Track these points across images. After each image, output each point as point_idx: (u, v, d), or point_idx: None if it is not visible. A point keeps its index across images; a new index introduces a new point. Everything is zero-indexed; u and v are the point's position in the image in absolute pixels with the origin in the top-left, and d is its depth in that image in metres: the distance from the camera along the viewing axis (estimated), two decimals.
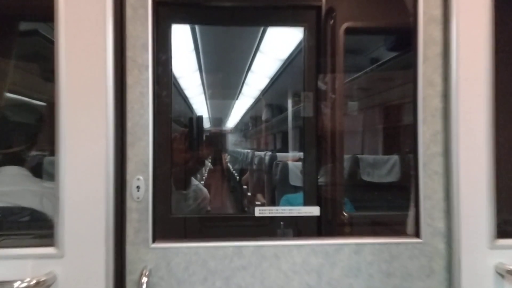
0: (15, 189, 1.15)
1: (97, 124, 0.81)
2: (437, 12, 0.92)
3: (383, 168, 1.79)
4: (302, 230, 1.01)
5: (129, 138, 0.87)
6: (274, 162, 2.29)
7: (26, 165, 1.25)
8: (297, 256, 0.89)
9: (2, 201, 1.10)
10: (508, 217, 0.92)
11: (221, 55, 2.37)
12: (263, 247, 0.89)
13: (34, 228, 1.02)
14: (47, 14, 0.81)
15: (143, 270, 0.84)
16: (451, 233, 0.89)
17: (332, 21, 1.08)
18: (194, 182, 1.58)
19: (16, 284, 0.76)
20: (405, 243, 0.91)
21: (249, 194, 2.42)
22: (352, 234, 1.12)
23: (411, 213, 0.95)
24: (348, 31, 1.09)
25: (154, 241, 0.87)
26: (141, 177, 0.87)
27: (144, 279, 0.82)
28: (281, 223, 1.01)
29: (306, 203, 1.10)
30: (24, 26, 1.31)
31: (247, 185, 2.58)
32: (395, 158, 1.77)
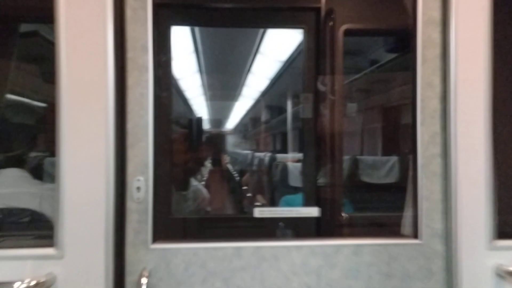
0: (14, 191, 1.16)
1: (97, 125, 0.81)
2: (436, 13, 0.92)
3: (382, 169, 1.79)
4: (302, 231, 1.01)
5: (129, 139, 0.88)
6: (274, 163, 2.30)
7: (26, 167, 1.25)
8: (296, 257, 0.89)
9: (2, 203, 1.11)
10: (507, 218, 0.92)
11: (221, 57, 2.37)
12: (262, 248, 0.89)
13: (34, 229, 1.02)
14: (48, 16, 0.82)
15: (142, 271, 0.84)
16: (450, 234, 0.89)
17: (331, 23, 1.09)
18: (193, 183, 1.58)
19: (16, 285, 0.76)
20: (404, 244, 0.91)
21: (248, 195, 2.42)
22: (351, 235, 1.12)
23: (410, 214, 0.95)
24: (347, 32, 1.10)
25: (154, 242, 0.88)
26: (141, 178, 0.87)
27: (144, 280, 0.82)
28: (280, 223, 1.01)
29: (306, 204, 1.10)
30: (24, 27, 1.31)
31: (247, 186, 2.58)
32: (394, 159, 1.77)
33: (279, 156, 2.47)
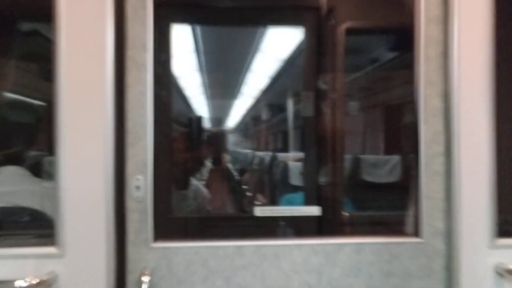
0: (14, 189, 1.16)
1: (97, 123, 0.81)
2: (438, 11, 0.92)
3: (384, 168, 1.79)
4: (303, 230, 1.01)
5: (129, 138, 0.87)
6: (275, 162, 2.29)
7: (26, 165, 1.25)
8: (297, 256, 0.89)
9: (2, 201, 1.10)
10: (508, 216, 0.92)
11: (221, 55, 2.37)
12: (263, 246, 0.89)
13: (35, 228, 1.02)
14: (47, 14, 0.81)
15: (143, 270, 0.84)
16: (451, 233, 0.89)
17: (332, 21, 1.08)
18: (193, 182, 1.58)
19: (17, 284, 0.76)
20: (405, 243, 0.91)
21: (249, 194, 2.42)
22: (352, 233, 1.12)
23: (411, 212, 0.95)
24: (348, 31, 1.09)
25: (154, 240, 0.87)
26: (141, 177, 0.87)
27: (145, 279, 0.82)
28: (281, 222, 1.01)
29: (307, 203, 1.10)
30: (24, 26, 1.31)
31: (247, 185, 2.58)
32: (396, 158, 1.77)
33: (280, 155, 2.46)
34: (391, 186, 1.70)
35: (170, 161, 0.98)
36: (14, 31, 1.25)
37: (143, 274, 0.83)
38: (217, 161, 2.16)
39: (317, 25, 1.08)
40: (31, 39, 1.33)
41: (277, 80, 2.70)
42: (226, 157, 2.31)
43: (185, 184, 1.53)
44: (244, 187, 2.56)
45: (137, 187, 0.87)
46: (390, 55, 1.59)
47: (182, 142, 1.53)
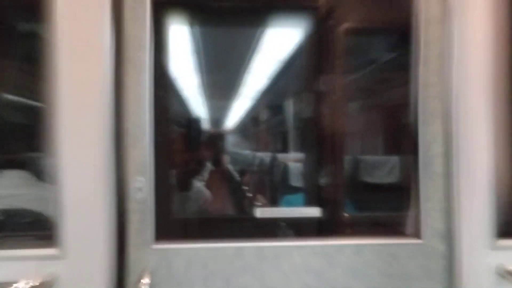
0: (17, 192, 1.16)
1: (96, 125, 0.81)
2: (437, 12, 0.92)
3: (384, 169, 1.79)
4: (303, 231, 1.01)
5: (129, 139, 0.87)
6: (275, 163, 2.29)
7: (27, 168, 1.25)
8: (297, 257, 0.89)
9: (4, 204, 1.11)
10: (508, 217, 0.92)
11: (220, 56, 2.37)
12: (263, 248, 0.89)
13: (36, 229, 1.02)
14: (44, 14, 0.81)
15: (144, 271, 0.84)
16: (451, 233, 0.89)
17: (331, 22, 1.08)
18: (196, 184, 1.58)
19: (18, 285, 0.76)
20: (405, 244, 0.91)
21: (249, 195, 2.42)
22: (352, 234, 1.12)
23: (411, 213, 0.95)
24: (348, 31, 1.09)
25: (155, 242, 0.87)
26: (141, 178, 0.87)
27: (145, 280, 0.82)
28: (282, 223, 1.01)
29: (307, 203, 1.10)
30: (20, 26, 1.31)
31: (247, 186, 2.57)
32: (396, 159, 1.77)
33: (280, 155, 2.46)
34: (391, 187, 1.70)
35: (170, 162, 0.99)
36: (11, 32, 1.25)
37: (143, 275, 0.83)
38: (217, 162, 2.16)
39: (316, 26, 1.08)
40: (28, 39, 1.33)
41: (276, 81, 2.70)
42: (226, 158, 2.30)
43: (187, 186, 1.53)
44: (244, 188, 2.56)
45: (138, 189, 0.87)
46: (390, 56, 1.59)
47: (182, 144, 1.53)
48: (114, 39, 0.83)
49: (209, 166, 2.12)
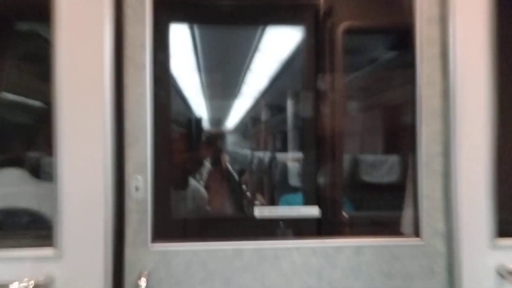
0: (14, 191, 1.15)
1: (96, 124, 0.81)
2: (437, 11, 0.91)
3: (383, 168, 1.79)
4: (302, 230, 1.01)
5: (128, 139, 0.87)
6: (274, 162, 2.29)
7: (25, 166, 1.24)
8: (297, 257, 0.89)
9: (2, 203, 1.10)
10: (508, 216, 0.92)
11: (220, 55, 2.36)
12: (263, 248, 0.89)
13: (33, 229, 1.01)
14: (45, 14, 0.81)
15: (142, 271, 0.84)
16: (451, 233, 0.88)
17: (330, 21, 1.08)
18: (192, 182, 1.57)
19: (14, 286, 0.75)
20: (405, 243, 0.91)
21: (248, 194, 2.42)
22: (351, 234, 1.12)
23: (410, 212, 0.95)
24: (347, 30, 1.09)
25: (153, 242, 0.87)
26: (140, 178, 0.87)
27: (143, 280, 0.82)
28: (281, 223, 1.00)
29: (306, 203, 1.09)
30: (21, 26, 1.30)
31: (246, 185, 2.57)
32: (395, 158, 1.77)
33: (279, 155, 2.46)
34: (390, 186, 1.70)
35: (170, 161, 0.98)
36: (11, 30, 1.24)
37: (141, 275, 0.82)
38: (216, 161, 2.16)
39: (316, 24, 1.08)
40: (28, 39, 1.32)
41: (276, 80, 2.70)
42: (225, 158, 2.30)
43: (183, 184, 1.53)
44: (243, 187, 2.55)
45: (137, 188, 0.87)
46: (389, 55, 1.59)
47: (181, 143, 1.52)
48: (114, 38, 0.83)
49: (208, 165, 2.12)
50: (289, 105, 2.53)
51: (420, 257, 0.90)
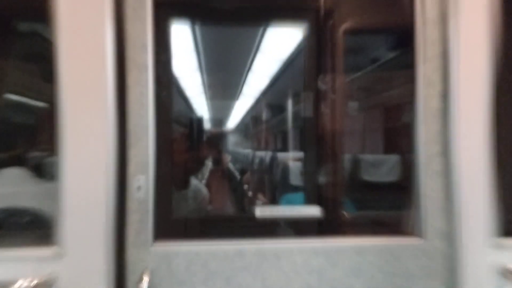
0: (16, 191, 1.16)
1: (98, 124, 0.81)
2: (437, 12, 0.91)
3: (384, 168, 1.79)
4: (303, 230, 1.01)
5: (130, 139, 0.87)
6: (275, 162, 2.29)
7: (27, 166, 1.25)
8: (298, 257, 0.89)
9: (3, 202, 1.11)
10: (510, 216, 0.92)
11: (222, 55, 2.37)
12: (264, 247, 0.89)
13: (34, 228, 1.02)
14: (46, 15, 0.81)
15: (143, 271, 0.84)
16: (452, 233, 0.88)
17: (331, 21, 1.08)
18: (193, 182, 1.58)
19: (17, 285, 0.76)
20: (406, 243, 0.91)
21: (250, 193, 2.42)
22: (352, 233, 1.12)
23: (412, 212, 0.95)
24: (348, 31, 1.09)
25: (154, 241, 0.87)
26: (141, 178, 0.87)
27: (145, 280, 0.82)
28: (282, 222, 1.01)
29: (307, 202, 1.09)
30: (23, 26, 1.31)
31: (247, 185, 2.57)
32: (396, 157, 1.77)
33: (280, 155, 2.46)
34: (391, 186, 1.70)
35: (171, 161, 0.98)
36: (12, 31, 1.25)
37: (143, 275, 0.83)
38: (218, 161, 2.16)
39: (316, 25, 1.08)
40: (30, 40, 1.33)
41: (277, 80, 2.70)
42: (227, 157, 2.30)
43: (185, 184, 1.53)
44: (244, 187, 2.56)
45: (138, 188, 0.87)
46: (390, 55, 1.59)
47: (183, 143, 1.53)
48: (116, 39, 0.83)
49: (209, 165, 2.12)
50: (290, 105, 2.53)
51: (421, 256, 0.90)
